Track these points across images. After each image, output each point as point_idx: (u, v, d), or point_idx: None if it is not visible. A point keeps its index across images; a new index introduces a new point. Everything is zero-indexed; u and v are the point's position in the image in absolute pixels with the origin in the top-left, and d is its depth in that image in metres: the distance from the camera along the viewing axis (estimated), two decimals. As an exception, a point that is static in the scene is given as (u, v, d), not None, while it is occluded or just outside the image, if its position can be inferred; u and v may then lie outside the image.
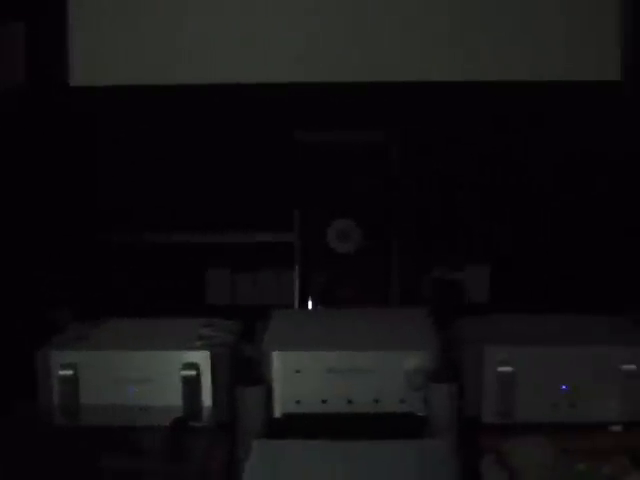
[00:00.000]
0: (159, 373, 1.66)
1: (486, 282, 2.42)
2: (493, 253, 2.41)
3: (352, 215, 2.19)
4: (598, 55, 2.36)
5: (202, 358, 1.66)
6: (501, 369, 1.66)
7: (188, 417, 1.63)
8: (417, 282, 2.36)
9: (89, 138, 2.39)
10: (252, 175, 2.37)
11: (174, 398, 1.65)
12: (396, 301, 2.16)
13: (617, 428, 1.67)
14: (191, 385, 1.65)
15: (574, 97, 2.34)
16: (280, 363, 1.63)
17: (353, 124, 2.28)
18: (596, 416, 1.67)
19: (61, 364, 1.66)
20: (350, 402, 1.63)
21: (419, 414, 1.62)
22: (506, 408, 1.67)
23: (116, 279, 2.37)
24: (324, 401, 1.64)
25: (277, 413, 1.64)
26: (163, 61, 2.38)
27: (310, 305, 2.19)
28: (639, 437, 1.65)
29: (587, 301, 2.14)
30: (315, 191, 2.22)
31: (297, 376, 1.63)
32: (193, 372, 1.65)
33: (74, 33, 2.37)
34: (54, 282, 2.28)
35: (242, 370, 1.69)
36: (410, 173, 2.27)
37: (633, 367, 1.65)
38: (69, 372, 1.66)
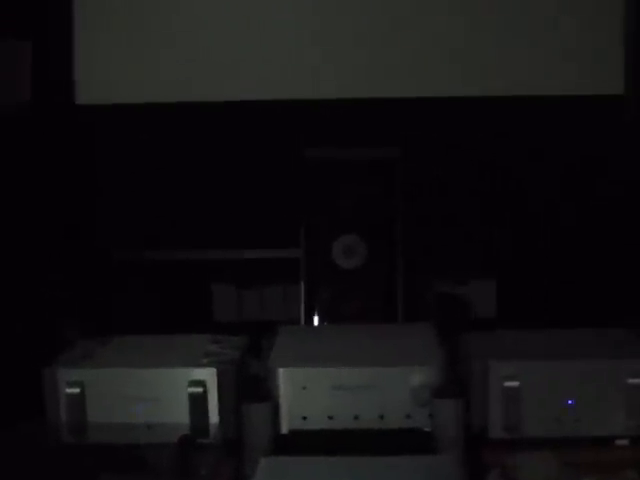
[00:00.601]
0: (166, 390, 1.66)
1: (492, 297, 2.42)
2: (499, 268, 2.41)
3: (357, 231, 2.20)
4: (600, 69, 2.37)
5: (209, 375, 1.66)
6: (507, 384, 1.66)
7: (195, 434, 1.63)
8: (422, 297, 2.37)
9: (95, 155, 2.40)
10: (258, 191, 2.38)
11: (181, 415, 1.66)
12: (401, 316, 2.17)
13: (623, 442, 1.67)
14: (198, 402, 1.65)
15: (577, 111, 2.35)
16: (286, 380, 1.64)
17: (358, 141, 2.29)
18: (602, 430, 1.68)
19: (68, 382, 1.67)
20: (356, 418, 1.64)
21: (425, 430, 1.63)
22: (512, 423, 1.67)
23: (124, 296, 2.37)
24: (330, 417, 1.64)
25: (284, 429, 1.64)
26: (169, 79, 2.39)
27: (316, 321, 2.19)
28: (645, 451, 1.65)
29: (592, 315, 2.15)
30: (320, 207, 2.23)
31: (303, 392, 1.64)
32: (200, 389, 1.65)
33: (80, 52, 2.38)
34: (62, 299, 2.28)
35: (249, 387, 1.70)
36: (415, 189, 2.27)
37: (639, 381, 1.65)
38: (76, 390, 1.66)
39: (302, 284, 2.20)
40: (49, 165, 2.34)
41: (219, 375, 1.66)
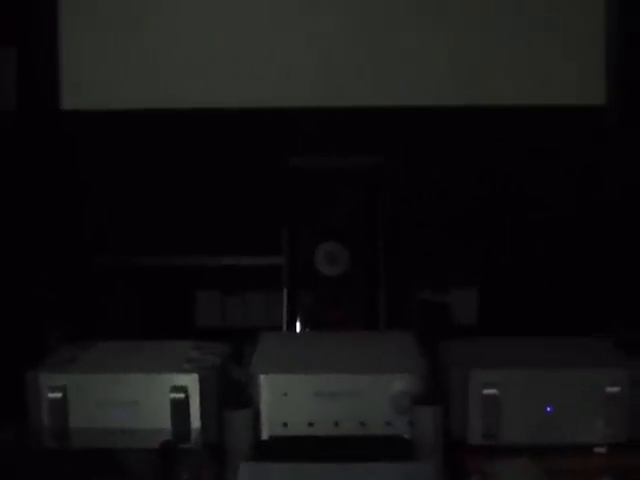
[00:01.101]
0: (148, 396, 1.67)
1: (473, 305, 2.44)
2: (480, 276, 2.42)
3: (339, 238, 2.21)
4: (582, 80, 2.38)
5: (191, 381, 1.67)
6: (486, 392, 1.67)
7: (177, 439, 1.64)
8: (404, 305, 2.38)
9: (79, 161, 2.41)
10: (241, 199, 2.39)
11: (163, 421, 1.66)
12: (383, 323, 2.18)
13: (601, 450, 1.69)
14: (180, 408, 1.66)
15: (559, 121, 2.37)
16: (267, 386, 1.65)
17: (341, 149, 2.30)
18: (580, 438, 1.69)
19: (50, 386, 1.67)
20: (337, 425, 1.64)
21: (405, 436, 1.64)
22: (491, 430, 1.68)
23: (107, 301, 2.38)
24: (311, 424, 1.65)
25: (264, 435, 1.65)
26: (154, 86, 2.40)
27: (298, 327, 2.20)
28: (623, 459, 1.66)
29: (572, 323, 2.17)
30: (303, 214, 2.24)
31: (284, 399, 1.64)
32: (182, 395, 1.66)
33: (64, 58, 2.38)
34: (45, 304, 2.29)
35: (230, 393, 1.70)
36: (398, 197, 2.28)
37: (617, 389, 1.67)
38: (58, 395, 1.67)
39: (284, 291, 2.21)
40: (34, 169, 2.35)
41: (201, 381, 1.67)
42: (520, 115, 2.36)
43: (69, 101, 2.39)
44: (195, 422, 1.67)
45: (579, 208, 2.37)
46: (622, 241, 2.33)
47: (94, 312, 2.36)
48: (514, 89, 2.38)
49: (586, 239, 2.36)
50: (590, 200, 2.36)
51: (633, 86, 2.35)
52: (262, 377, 1.65)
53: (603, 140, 2.36)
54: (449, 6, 2.38)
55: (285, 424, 1.65)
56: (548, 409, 1.69)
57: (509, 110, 2.36)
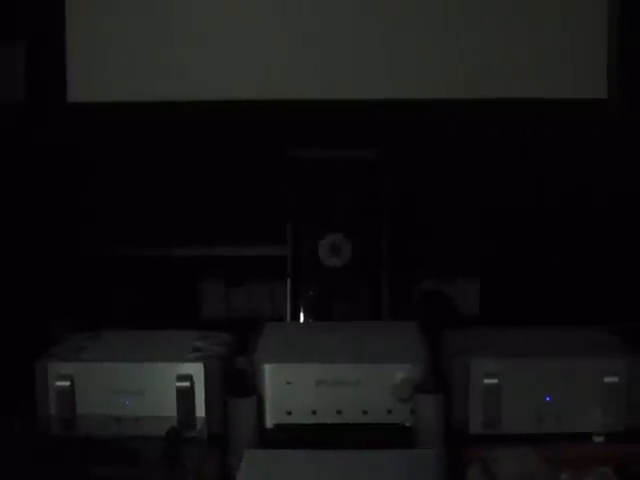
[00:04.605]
0: (154, 384, 1.69)
1: (476, 295, 2.45)
2: (483, 266, 2.44)
3: (343, 229, 2.23)
4: (584, 73, 2.39)
5: (196, 370, 1.69)
6: (487, 381, 1.70)
7: (182, 427, 1.66)
8: (407, 295, 2.40)
9: (86, 153, 2.42)
10: (245, 190, 2.40)
11: (168, 409, 1.69)
12: (386, 314, 2.19)
13: (600, 439, 1.71)
14: (185, 396, 1.68)
15: (560, 114, 2.38)
16: (271, 375, 1.67)
17: (344, 141, 2.31)
18: (580, 427, 1.71)
19: (58, 375, 1.70)
20: (339, 413, 1.67)
21: (406, 425, 1.66)
22: (492, 419, 1.70)
23: (112, 292, 2.40)
24: (314, 412, 1.67)
25: (268, 424, 1.67)
26: (160, 78, 2.41)
27: (302, 318, 2.22)
28: (621, 448, 1.68)
29: (574, 314, 2.19)
30: (307, 206, 2.26)
31: (288, 388, 1.67)
32: (187, 383, 1.68)
33: (72, 50, 2.40)
34: (52, 295, 2.31)
35: (235, 382, 1.73)
36: (400, 188, 2.30)
37: (615, 379, 1.69)
38: (66, 383, 1.69)
39: (288, 282, 2.23)
40: (41, 161, 2.36)
41: (206, 370, 1.69)
42: (521, 108, 2.37)
43: (76, 93, 2.40)
44: (200, 410, 1.69)
45: (579, 200, 2.38)
46: (622, 233, 2.35)
47: (100, 303, 2.38)
48: (515, 82, 2.38)
49: (586, 231, 2.37)
50: (591, 192, 2.37)
51: (635, 80, 2.36)
52: (266, 366, 1.67)
53: (605, 133, 2.37)
54: (451, 1, 2.38)
55: (289, 412, 1.67)
56: (547, 399, 1.71)
57: (510, 103, 2.37)
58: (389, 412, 1.66)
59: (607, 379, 1.69)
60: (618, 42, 2.37)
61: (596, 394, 1.70)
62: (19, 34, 2.34)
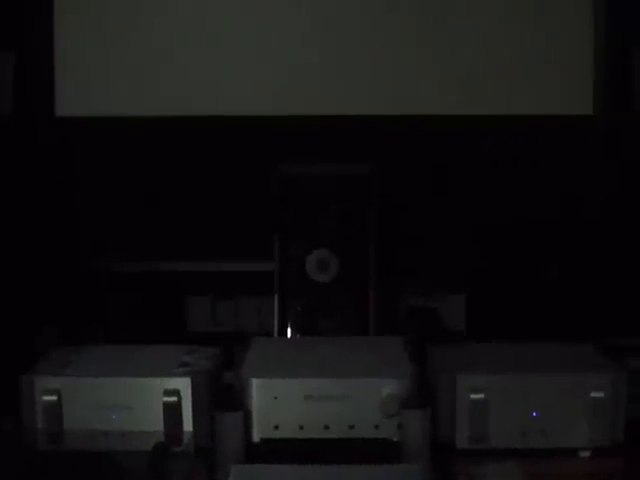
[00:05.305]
0: (141, 399, 1.69)
1: (462, 310, 2.46)
2: (468, 283, 2.44)
3: (330, 245, 2.23)
4: (570, 89, 2.41)
5: (183, 384, 1.70)
6: (473, 396, 1.70)
7: (169, 442, 1.66)
8: (394, 311, 2.40)
9: (73, 167, 2.42)
10: (233, 205, 2.41)
11: (155, 423, 1.69)
12: (373, 329, 2.20)
13: (586, 454, 1.72)
14: (172, 411, 1.69)
15: (547, 130, 2.39)
16: (259, 390, 1.67)
17: (333, 156, 2.32)
18: (566, 442, 1.72)
19: (45, 390, 1.70)
20: (326, 428, 1.67)
21: (393, 440, 1.66)
22: (478, 434, 1.71)
23: (99, 306, 2.39)
24: (301, 427, 1.67)
25: (256, 438, 1.68)
26: (148, 93, 2.42)
27: (289, 333, 2.22)
28: (607, 463, 1.69)
29: (559, 329, 2.20)
30: (295, 221, 2.26)
31: (275, 402, 1.67)
32: (174, 398, 1.68)
33: (60, 64, 2.40)
34: (39, 309, 2.30)
35: (222, 396, 1.73)
36: (388, 205, 2.31)
37: (601, 394, 1.70)
38: (53, 398, 1.69)
39: (275, 297, 2.23)
40: (29, 174, 2.36)
41: (193, 384, 1.70)
42: (508, 124, 2.38)
43: (64, 107, 2.41)
44: (187, 425, 1.69)
45: (566, 216, 2.39)
46: (607, 249, 2.36)
47: (87, 317, 2.38)
48: (502, 99, 2.40)
49: (571, 246, 2.39)
50: (577, 208, 2.39)
51: (620, 97, 2.37)
52: (254, 381, 1.68)
53: (590, 149, 2.39)
54: (440, 18, 2.40)
55: (276, 427, 1.68)
56: (534, 414, 1.71)
57: (497, 119, 2.39)
58: (376, 427, 1.67)
59: (593, 394, 1.70)
60: (604, 61, 2.39)
61: (582, 409, 1.70)
62: (8, 45, 2.34)
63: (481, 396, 1.70)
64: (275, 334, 2.22)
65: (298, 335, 2.21)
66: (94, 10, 2.41)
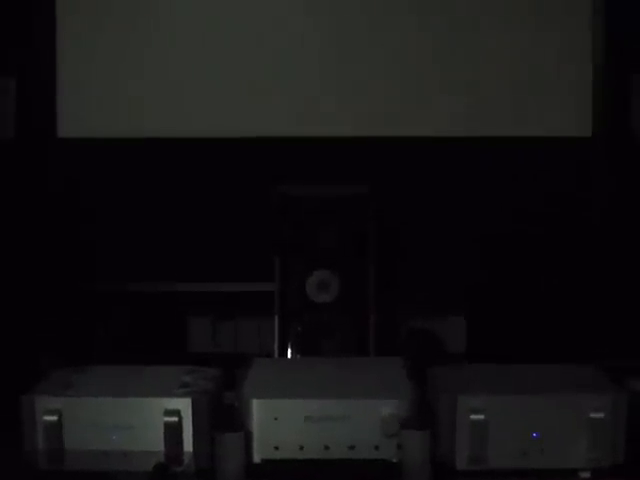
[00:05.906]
0: (142, 419, 1.69)
1: (462, 332, 2.46)
2: (469, 305, 2.45)
3: (331, 266, 2.24)
4: (569, 112, 2.42)
5: (184, 405, 1.69)
6: (474, 417, 1.70)
7: (169, 462, 1.66)
8: (394, 331, 2.40)
9: (75, 188, 2.43)
10: (234, 226, 2.41)
11: (156, 444, 1.69)
12: (373, 350, 2.20)
13: (586, 474, 1.72)
14: (173, 431, 1.68)
15: (546, 151, 2.40)
16: (259, 410, 1.67)
17: (332, 178, 2.33)
18: (565, 462, 1.72)
19: (45, 410, 1.70)
20: (327, 448, 1.67)
21: (393, 460, 1.67)
22: (478, 455, 1.71)
23: (101, 327, 2.40)
24: (301, 447, 1.68)
25: (256, 458, 1.68)
26: (149, 115, 2.43)
27: (289, 353, 2.23)
28: (607, 483, 1.70)
29: (556, 351, 2.20)
30: (295, 242, 2.26)
31: (275, 423, 1.67)
32: (175, 418, 1.68)
33: (62, 86, 2.41)
34: (40, 329, 2.31)
35: (222, 416, 1.73)
36: (388, 224, 2.31)
37: (601, 415, 1.70)
38: (53, 418, 1.69)
39: (276, 318, 2.24)
40: (31, 196, 2.37)
41: (194, 405, 1.70)
42: (506, 145, 2.39)
43: (66, 129, 2.41)
44: (188, 445, 1.69)
45: (564, 237, 2.40)
46: (607, 270, 2.36)
47: (88, 337, 2.38)
48: (500, 121, 2.41)
49: (571, 268, 2.39)
50: (576, 229, 2.39)
51: (618, 119, 2.38)
52: (254, 401, 1.68)
53: (589, 170, 2.39)
54: (438, 39, 2.41)
55: (276, 447, 1.68)
56: (534, 435, 1.71)
57: (495, 141, 2.40)
58: (376, 448, 1.67)
59: (593, 415, 1.70)
60: (602, 85, 2.40)
61: (582, 430, 1.70)
62: (10, 70, 2.36)
63: (481, 417, 1.70)
64: (275, 354, 2.23)
65: (298, 355, 2.21)
66: (96, 35, 2.43)
